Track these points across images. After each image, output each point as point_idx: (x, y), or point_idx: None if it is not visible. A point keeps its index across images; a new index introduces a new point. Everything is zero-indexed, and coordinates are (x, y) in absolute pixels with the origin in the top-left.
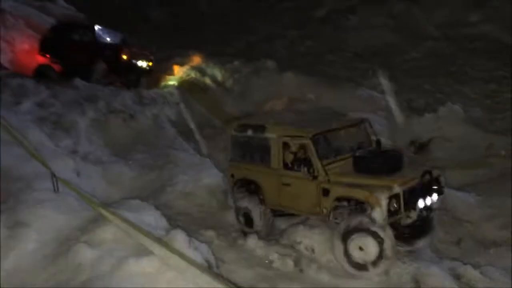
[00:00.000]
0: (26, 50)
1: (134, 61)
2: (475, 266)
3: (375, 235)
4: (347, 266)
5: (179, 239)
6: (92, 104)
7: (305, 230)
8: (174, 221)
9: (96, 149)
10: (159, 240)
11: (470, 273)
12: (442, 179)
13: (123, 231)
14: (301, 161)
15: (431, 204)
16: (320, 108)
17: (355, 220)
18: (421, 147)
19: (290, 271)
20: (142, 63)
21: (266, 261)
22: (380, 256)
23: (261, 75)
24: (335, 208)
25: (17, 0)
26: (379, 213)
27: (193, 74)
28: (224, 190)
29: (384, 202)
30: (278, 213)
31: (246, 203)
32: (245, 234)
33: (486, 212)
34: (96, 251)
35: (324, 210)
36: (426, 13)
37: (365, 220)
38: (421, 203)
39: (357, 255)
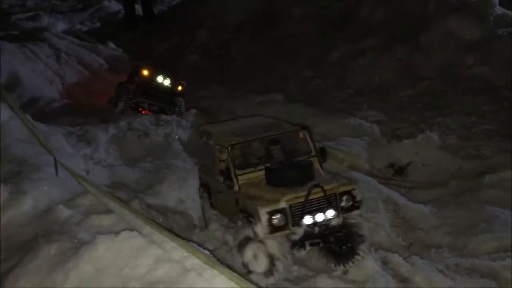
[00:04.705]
0: (75, 83)
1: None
2: (404, 257)
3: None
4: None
5: (137, 203)
6: (116, 123)
7: None
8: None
9: (110, 157)
10: (121, 202)
11: (397, 260)
12: (356, 192)
13: (99, 201)
14: (226, 171)
15: (326, 221)
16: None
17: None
18: (400, 169)
19: None
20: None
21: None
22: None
23: (269, 105)
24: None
25: (72, 41)
26: (259, 228)
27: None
28: None
29: (264, 217)
30: None
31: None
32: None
33: (437, 221)
34: (71, 211)
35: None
36: (427, 56)
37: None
38: (307, 220)
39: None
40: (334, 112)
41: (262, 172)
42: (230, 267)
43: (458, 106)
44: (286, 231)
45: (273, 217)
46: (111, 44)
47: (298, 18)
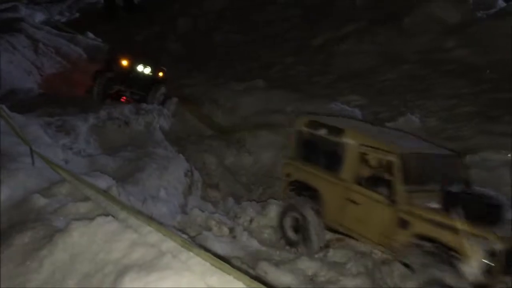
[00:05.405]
0: (53, 74)
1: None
2: None
3: None
4: None
5: (114, 190)
6: (95, 113)
7: None
8: None
9: (90, 147)
10: (97, 188)
11: None
12: None
13: (77, 189)
14: (379, 180)
15: None
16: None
17: (440, 272)
18: None
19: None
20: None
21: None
22: None
23: (251, 93)
24: (411, 246)
25: (50, 32)
26: (473, 267)
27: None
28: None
29: (481, 253)
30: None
31: (300, 209)
32: (290, 246)
33: None
34: (47, 200)
35: (396, 244)
36: (407, 40)
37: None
38: None
39: None
40: (317, 98)
41: (426, 194)
42: (207, 249)
43: (439, 89)
44: (497, 279)
45: (488, 258)
46: (90, 34)
47: (281, 4)
